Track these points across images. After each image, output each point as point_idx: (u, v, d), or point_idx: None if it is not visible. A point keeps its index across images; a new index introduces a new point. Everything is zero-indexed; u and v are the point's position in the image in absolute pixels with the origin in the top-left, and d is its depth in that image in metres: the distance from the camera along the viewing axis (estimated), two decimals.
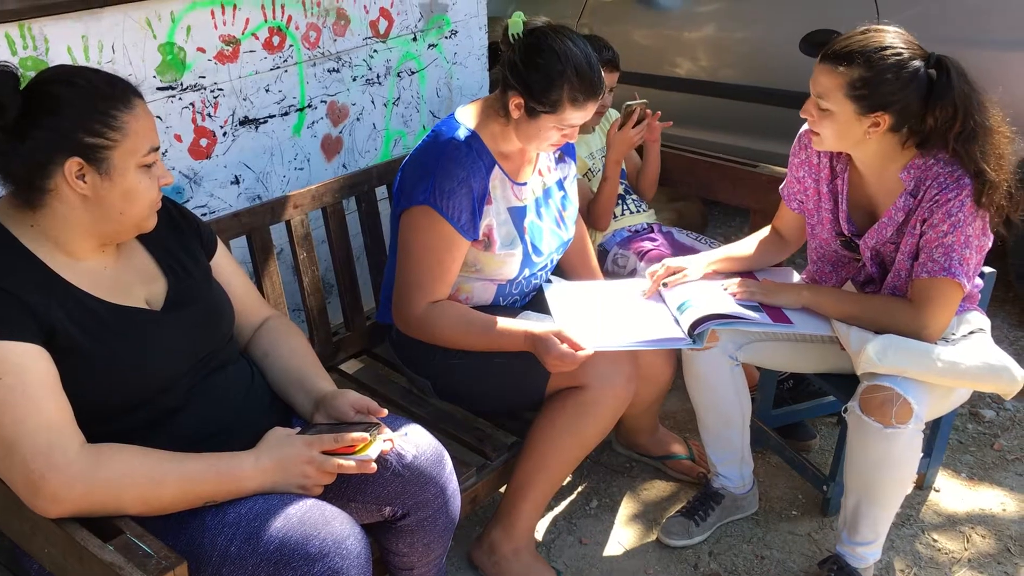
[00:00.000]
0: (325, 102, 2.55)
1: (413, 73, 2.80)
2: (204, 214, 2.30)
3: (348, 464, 1.48)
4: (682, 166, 2.90)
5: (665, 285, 2.16)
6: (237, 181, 2.39)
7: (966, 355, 1.89)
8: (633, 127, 2.65)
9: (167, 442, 1.44)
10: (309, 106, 2.51)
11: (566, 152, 2.26)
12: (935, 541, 2.28)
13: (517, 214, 2.08)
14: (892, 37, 1.85)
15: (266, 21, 2.32)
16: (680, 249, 2.68)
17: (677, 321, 2.02)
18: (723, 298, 2.07)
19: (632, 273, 2.65)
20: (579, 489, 2.48)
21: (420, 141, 2.10)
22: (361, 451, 1.50)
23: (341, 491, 1.59)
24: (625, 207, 2.82)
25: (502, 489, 2.15)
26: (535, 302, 2.24)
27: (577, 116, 1.95)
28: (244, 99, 2.33)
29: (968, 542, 2.28)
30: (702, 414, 2.27)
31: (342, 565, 1.40)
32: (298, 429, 1.57)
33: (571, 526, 2.35)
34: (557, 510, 2.40)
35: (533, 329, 1.90)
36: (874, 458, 1.91)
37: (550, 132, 1.97)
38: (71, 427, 1.35)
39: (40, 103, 1.37)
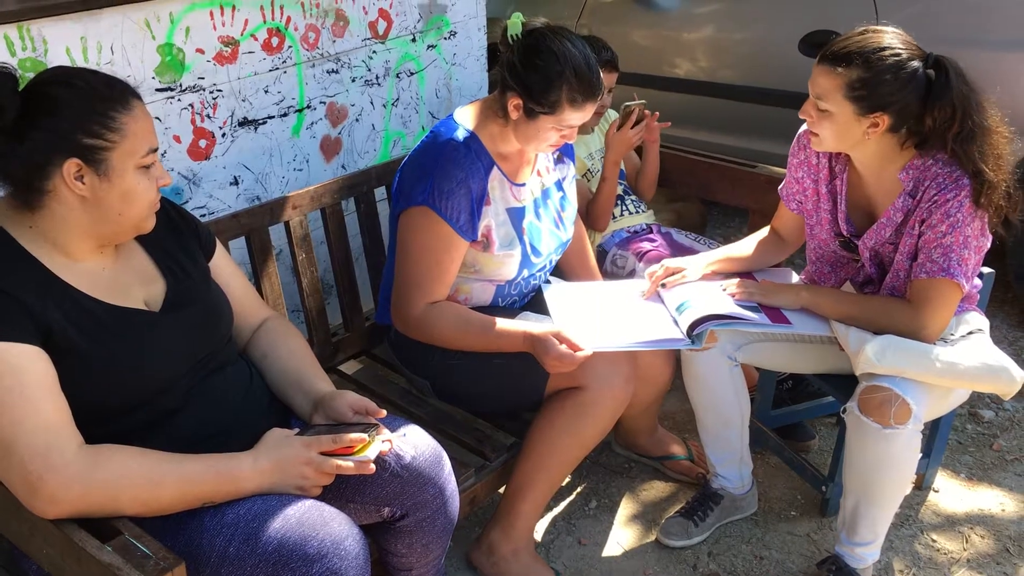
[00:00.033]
0: (324, 103, 2.55)
1: (412, 74, 2.80)
2: (203, 215, 2.30)
3: (346, 465, 1.48)
4: (681, 167, 2.90)
5: (664, 286, 2.16)
6: (236, 182, 2.39)
7: (965, 355, 1.89)
8: (631, 128, 2.65)
9: (165, 443, 1.44)
10: (308, 107, 2.51)
11: (565, 153, 2.26)
12: (934, 541, 2.28)
13: (516, 215, 2.08)
14: (890, 38, 1.85)
15: (265, 22, 2.32)
16: (679, 250, 2.68)
17: (676, 322, 2.02)
18: (722, 299, 2.07)
19: (631, 274, 2.65)
20: (578, 490, 2.48)
21: (419, 142, 2.10)
22: (359, 452, 1.50)
23: (340, 492, 1.59)
24: (624, 208, 2.82)
25: (501, 490, 2.15)
26: (534, 303, 2.24)
27: (576, 117, 1.95)
28: (243, 100, 2.33)
29: (967, 542, 2.28)
30: (701, 415, 2.27)
31: (340, 566, 1.40)
32: (296, 430, 1.57)
33: (570, 527, 2.35)
34: (556, 511, 2.40)
35: (532, 330, 1.90)
36: (873, 459, 1.91)
37: (549, 133, 1.97)
38: (69, 428, 1.35)
39: (38, 104, 1.37)
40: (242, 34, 2.27)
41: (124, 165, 1.41)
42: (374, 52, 2.65)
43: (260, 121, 2.40)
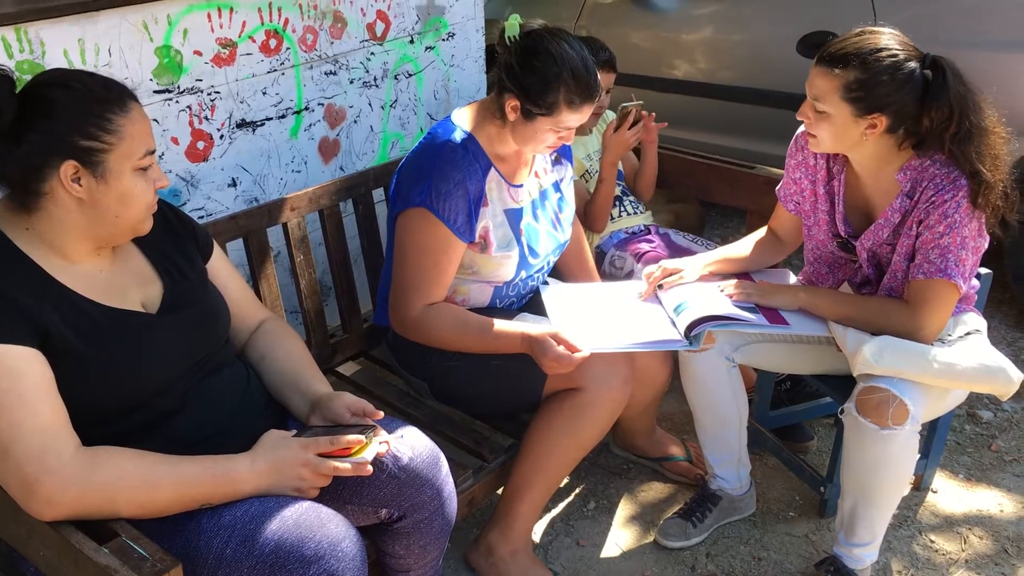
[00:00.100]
0: (322, 104, 2.55)
1: (410, 75, 2.80)
2: (201, 217, 2.30)
3: (344, 467, 1.48)
4: (679, 168, 2.91)
5: (661, 287, 2.16)
6: (234, 184, 2.39)
7: (962, 356, 1.89)
8: (629, 128, 2.65)
9: (163, 445, 1.45)
10: (306, 108, 2.51)
11: (562, 154, 2.26)
12: (932, 542, 2.28)
13: (513, 216, 2.08)
14: (887, 39, 1.85)
15: (263, 24, 2.32)
16: (677, 251, 2.68)
17: (674, 323, 2.02)
18: (720, 299, 2.07)
19: (629, 275, 2.65)
20: (576, 491, 2.48)
21: (416, 143, 2.10)
22: (357, 453, 1.50)
23: (337, 493, 1.59)
24: (622, 209, 2.82)
25: (499, 491, 2.15)
26: (532, 304, 2.24)
27: (573, 118, 1.95)
28: (241, 102, 2.33)
29: (965, 543, 2.28)
30: (699, 416, 2.27)
31: (338, 567, 1.40)
32: (294, 432, 1.57)
33: (568, 528, 2.35)
34: (554, 512, 2.40)
35: (530, 331, 1.90)
36: (871, 459, 1.92)
37: (546, 134, 1.97)
38: (66, 430, 1.35)
39: (35, 106, 1.37)
40: (240, 36, 2.27)
41: (121, 167, 1.41)
42: (372, 54, 2.65)
43: (258, 123, 2.40)
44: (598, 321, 2.03)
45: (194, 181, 2.28)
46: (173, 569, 1.25)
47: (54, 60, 1.94)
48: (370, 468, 1.49)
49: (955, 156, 1.85)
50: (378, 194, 2.45)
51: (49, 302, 1.39)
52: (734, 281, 2.14)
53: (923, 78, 1.82)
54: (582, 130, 2.80)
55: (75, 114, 1.37)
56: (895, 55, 1.82)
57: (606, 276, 2.68)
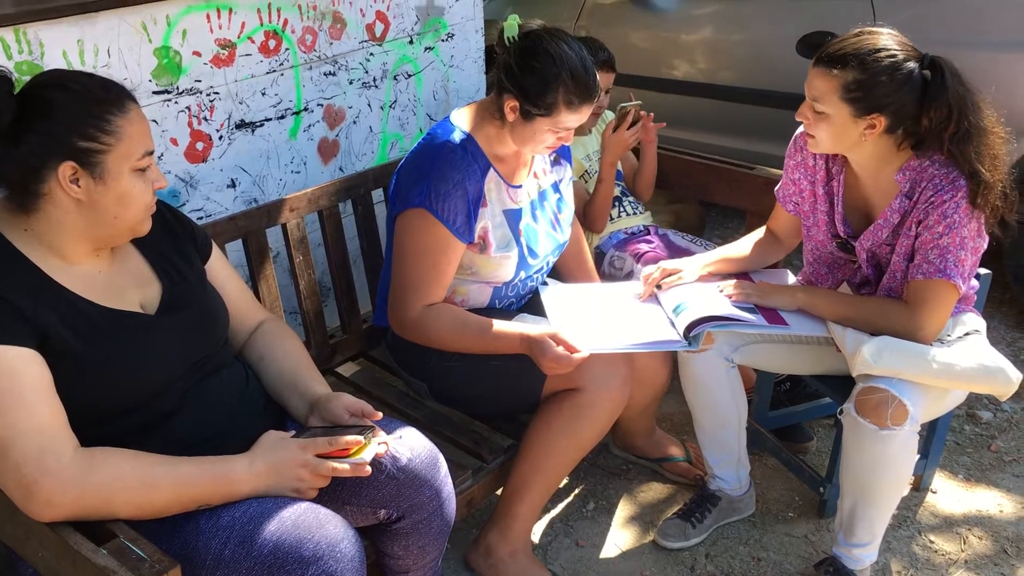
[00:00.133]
0: (321, 105, 2.55)
1: (410, 76, 2.80)
2: (200, 218, 2.30)
3: (342, 467, 1.48)
4: (679, 168, 2.91)
5: (660, 287, 2.16)
6: (233, 184, 2.39)
7: (961, 357, 1.89)
8: (627, 129, 2.65)
9: (161, 446, 1.44)
10: (305, 109, 2.51)
11: (561, 155, 2.26)
12: (932, 543, 2.28)
13: (512, 217, 2.08)
14: (886, 39, 1.85)
15: (262, 25, 2.32)
16: (676, 251, 2.68)
17: (673, 323, 2.02)
18: (719, 300, 2.07)
19: (628, 275, 2.65)
20: (576, 491, 2.48)
21: (415, 144, 2.10)
22: (355, 454, 1.50)
23: (336, 494, 1.59)
24: (622, 209, 2.82)
25: (498, 492, 2.15)
26: (531, 304, 2.24)
27: (572, 119, 1.95)
28: (240, 103, 2.33)
29: (965, 544, 2.28)
30: (698, 416, 2.27)
31: (336, 568, 1.40)
32: (292, 432, 1.57)
33: (568, 528, 2.35)
34: (554, 512, 2.40)
35: (529, 331, 1.90)
36: (870, 460, 1.91)
37: (545, 135, 1.97)
38: (64, 431, 1.35)
39: (34, 107, 1.37)
40: (239, 37, 2.27)
41: (119, 168, 1.41)
42: (371, 54, 2.65)
43: (257, 123, 2.40)
44: (597, 322, 2.03)
45: (193, 182, 2.28)
46: (171, 570, 1.25)
47: (53, 61, 1.94)
48: (369, 469, 1.49)
49: (954, 156, 1.85)
50: (377, 195, 2.45)
51: (47, 303, 1.39)
52: (733, 281, 2.14)
53: (922, 78, 1.82)
54: (581, 130, 2.80)
55: (73, 115, 1.38)
56: (894, 55, 1.82)
57: (605, 277, 2.68)
